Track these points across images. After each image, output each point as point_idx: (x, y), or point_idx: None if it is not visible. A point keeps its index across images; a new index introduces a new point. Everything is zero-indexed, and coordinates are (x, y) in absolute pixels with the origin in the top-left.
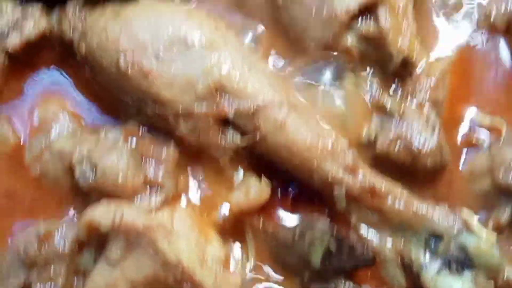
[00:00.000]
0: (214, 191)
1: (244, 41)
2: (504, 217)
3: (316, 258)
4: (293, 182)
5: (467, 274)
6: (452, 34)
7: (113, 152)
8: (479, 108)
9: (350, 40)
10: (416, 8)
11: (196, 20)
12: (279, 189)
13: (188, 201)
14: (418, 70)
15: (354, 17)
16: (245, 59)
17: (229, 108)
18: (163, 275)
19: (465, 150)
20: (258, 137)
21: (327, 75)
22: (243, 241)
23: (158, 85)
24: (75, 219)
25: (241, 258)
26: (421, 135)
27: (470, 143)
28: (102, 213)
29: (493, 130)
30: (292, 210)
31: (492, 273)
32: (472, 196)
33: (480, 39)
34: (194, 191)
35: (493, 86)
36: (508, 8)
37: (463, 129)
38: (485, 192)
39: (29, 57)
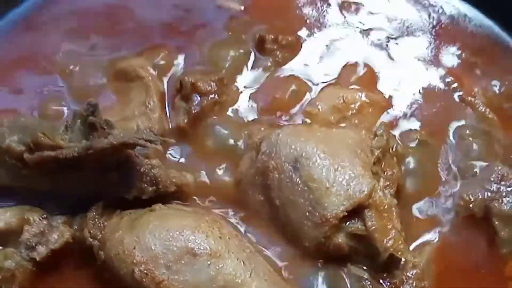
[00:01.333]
0: None
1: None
2: None
3: None
4: None
5: None
6: (435, 223)
7: None
8: None
9: (340, 239)
10: (400, 205)
11: (203, 231)
12: None
13: None
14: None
15: (343, 219)
16: (246, 265)
17: None
18: None
19: None
20: None
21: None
22: None
23: None
24: None
25: None
26: None
27: None
28: None
29: None
30: None
31: None
32: None
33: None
34: None
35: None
36: (485, 196)
37: None
38: None
39: (53, 263)
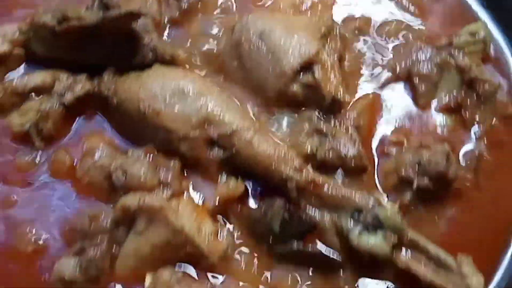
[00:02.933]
0: (206, 189)
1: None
2: (406, 198)
3: (276, 227)
4: (260, 181)
5: (380, 233)
6: (371, 80)
7: (138, 163)
8: (388, 129)
9: (296, 88)
10: (342, 64)
11: (190, 78)
12: (250, 186)
13: (188, 196)
14: (346, 106)
15: (297, 72)
16: (223, 101)
17: (213, 133)
18: (173, 239)
19: (378, 157)
20: (234, 151)
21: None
22: (228, 219)
23: (165, 120)
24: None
25: (226, 232)
26: (345, 147)
27: (384, 153)
28: (131, 200)
29: (397, 144)
30: (259, 200)
31: (397, 232)
32: (386, 186)
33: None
34: (192, 189)
35: (398, 117)
36: (407, 63)
37: (376, 144)
38: (394, 184)
39: (80, 107)
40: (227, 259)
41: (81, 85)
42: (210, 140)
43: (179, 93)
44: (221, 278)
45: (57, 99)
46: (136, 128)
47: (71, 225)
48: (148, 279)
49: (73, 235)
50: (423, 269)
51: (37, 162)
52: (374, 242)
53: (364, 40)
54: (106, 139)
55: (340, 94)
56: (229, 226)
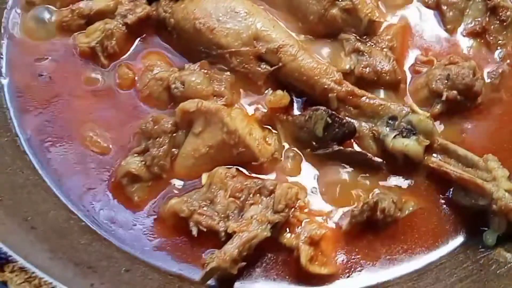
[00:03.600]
0: (255, 101)
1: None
2: (437, 108)
3: (319, 131)
4: (303, 94)
5: (413, 137)
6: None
7: (194, 75)
8: (420, 50)
9: (335, 11)
10: None
11: (240, 1)
12: (294, 98)
13: (240, 106)
14: (381, 31)
15: None
16: (271, 21)
17: (262, 48)
18: (227, 139)
19: (412, 75)
20: (280, 65)
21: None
22: (275, 128)
23: (219, 36)
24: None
25: (274, 138)
26: (381, 63)
27: (415, 71)
28: (189, 103)
29: (428, 62)
30: (303, 110)
31: (429, 136)
32: (418, 100)
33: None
34: (243, 101)
35: (428, 41)
36: None
37: (409, 64)
38: (425, 97)
39: (139, 28)
40: (276, 161)
41: (142, 7)
42: (258, 55)
43: (231, 12)
44: (271, 177)
45: (120, 19)
46: (191, 45)
47: (136, 127)
48: (204, 176)
49: (138, 137)
50: (452, 167)
51: (102, 77)
52: (408, 144)
53: None
54: (163, 56)
55: (376, 17)
56: (276, 132)
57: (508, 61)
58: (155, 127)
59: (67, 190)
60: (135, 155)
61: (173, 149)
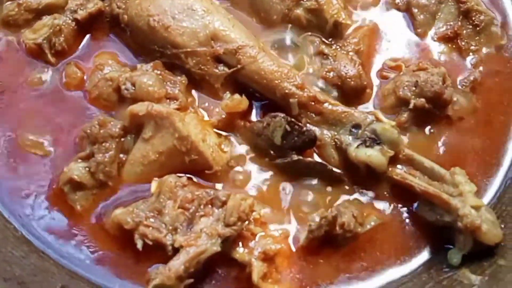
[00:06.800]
0: (211, 105)
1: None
2: (404, 116)
3: (277, 139)
4: (262, 99)
5: (377, 147)
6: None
7: (146, 75)
8: (388, 55)
9: (300, 11)
10: None
11: None
12: (253, 103)
13: (195, 110)
14: (348, 33)
15: None
16: (230, 20)
17: (220, 49)
18: (179, 146)
19: (378, 80)
20: (239, 67)
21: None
22: (231, 135)
23: (174, 34)
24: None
25: (230, 145)
26: (345, 67)
27: (383, 76)
28: (139, 106)
29: (396, 68)
30: (262, 116)
31: (394, 147)
32: (384, 107)
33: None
34: (198, 104)
35: (397, 45)
36: None
37: (376, 69)
38: (391, 104)
39: (90, 25)
40: (230, 169)
41: (94, 2)
42: (216, 56)
43: (188, 10)
44: (221, 186)
45: (70, 15)
46: (145, 44)
47: (80, 130)
48: (153, 184)
49: (83, 140)
50: (417, 180)
51: (49, 75)
52: (371, 154)
53: None
54: (114, 55)
55: (342, 18)
56: (232, 140)
57: (481, 68)
58: (101, 130)
59: (2, 196)
60: (79, 160)
61: (121, 155)
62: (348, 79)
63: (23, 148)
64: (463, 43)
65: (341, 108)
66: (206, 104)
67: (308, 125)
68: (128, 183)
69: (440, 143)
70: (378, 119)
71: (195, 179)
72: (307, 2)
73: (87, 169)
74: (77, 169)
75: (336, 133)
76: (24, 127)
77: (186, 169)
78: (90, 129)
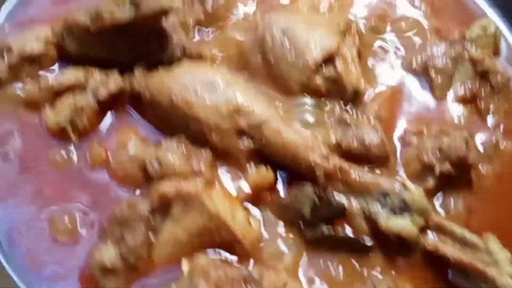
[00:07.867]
0: (236, 179)
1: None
2: (429, 183)
3: (307, 211)
4: (288, 170)
5: (406, 216)
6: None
7: (171, 153)
8: (408, 120)
9: (318, 80)
10: (362, 58)
11: (218, 71)
12: (279, 176)
13: (221, 184)
14: (367, 99)
15: (320, 65)
16: (251, 93)
17: (243, 123)
18: (209, 224)
19: (400, 146)
20: (263, 141)
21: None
22: (259, 207)
23: (197, 111)
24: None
25: (257, 219)
26: (369, 135)
27: (405, 142)
28: (167, 187)
29: (418, 133)
30: (288, 188)
31: (423, 215)
32: (409, 173)
33: (408, 79)
34: (224, 178)
35: (416, 108)
36: (423, 58)
37: (398, 134)
38: (416, 171)
39: (110, 102)
40: (259, 244)
41: (114, 81)
42: (240, 130)
43: (209, 85)
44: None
45: (91, 95)
46: (168, 120)
47: (109, 211)
48: (185, 265)
49: (112, 223)
50: (450, 249)
51: (71, 155)
52: (402, 224)
53: (380, 37)
54: (137, 132)
55: (361, 85)
56: (260, 213)
57: (502, 128)
58: (130, 212)
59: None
60: (109, 244)
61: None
62: (371, 148)
63: (52, 231)
64: (482, 104)
65: (367, 177)
66: (232, 178)
67: (335, 193)
68: (159, 264)
69: (469, 208)
70: (405, 187)
71: (223, 254)
72: (325, 71)
73: (118, 253)
74: (107, 254)
75: (364, 202)
76: (51, 209)
77: (215, 246)
78: (120, 211)
